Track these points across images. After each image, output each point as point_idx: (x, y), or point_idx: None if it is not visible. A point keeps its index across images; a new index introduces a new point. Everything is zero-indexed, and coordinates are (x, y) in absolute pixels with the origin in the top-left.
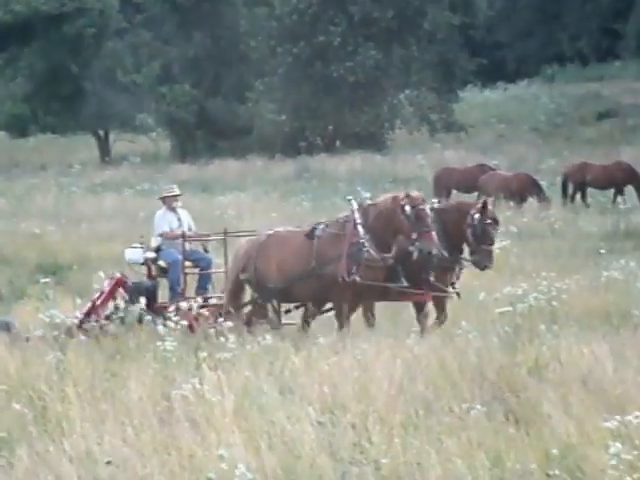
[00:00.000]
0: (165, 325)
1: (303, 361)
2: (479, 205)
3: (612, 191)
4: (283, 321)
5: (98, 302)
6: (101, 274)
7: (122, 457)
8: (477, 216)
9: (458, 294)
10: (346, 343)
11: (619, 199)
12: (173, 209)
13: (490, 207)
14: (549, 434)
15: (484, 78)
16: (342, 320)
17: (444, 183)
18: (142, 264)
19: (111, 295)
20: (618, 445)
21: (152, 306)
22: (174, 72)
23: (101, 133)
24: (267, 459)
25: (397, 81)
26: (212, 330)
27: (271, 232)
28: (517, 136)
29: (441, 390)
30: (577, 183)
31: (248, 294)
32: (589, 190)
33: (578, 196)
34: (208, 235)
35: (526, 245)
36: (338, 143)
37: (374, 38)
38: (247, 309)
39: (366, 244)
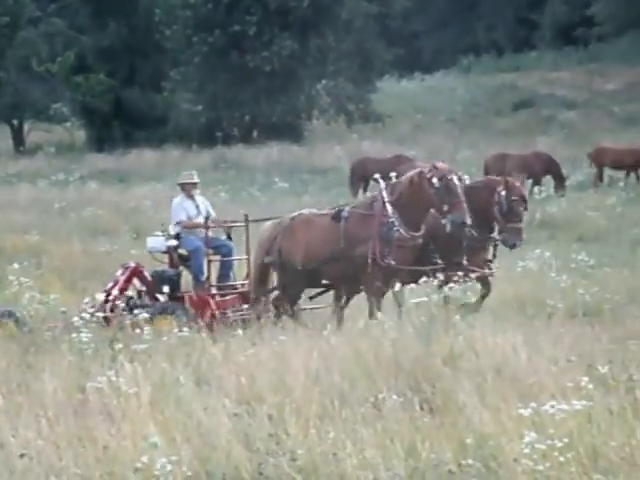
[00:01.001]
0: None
1: (220, 352)
2: (506, 182)
3: (529, 181)
4: (308, 306)
5: (114, 292)
6: (15, 265)
7: (37, 449)
8: (504, 193)
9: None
10: (264, 334)
11: (535, 189)
12: (191, 196)
13: (517, 184)
14: (464, 423)
15: (401, 68)
16: (373, 302)
17: (361, 173)
18: (164, 252)
19: (127, 284)
20: (533, 434)
21: (175, 295)
22: (89, 61)
23: (15, 123)
24: (183, 450)
25: (314, 71)
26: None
27: (295, 214)
28: (433, 127)
29: (357, 380)
30: (496, 173)
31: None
32: None
33: None
34: (233, 222)
35: None
36: (255, 133)
37: (290, 27)
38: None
39: (396, 223)
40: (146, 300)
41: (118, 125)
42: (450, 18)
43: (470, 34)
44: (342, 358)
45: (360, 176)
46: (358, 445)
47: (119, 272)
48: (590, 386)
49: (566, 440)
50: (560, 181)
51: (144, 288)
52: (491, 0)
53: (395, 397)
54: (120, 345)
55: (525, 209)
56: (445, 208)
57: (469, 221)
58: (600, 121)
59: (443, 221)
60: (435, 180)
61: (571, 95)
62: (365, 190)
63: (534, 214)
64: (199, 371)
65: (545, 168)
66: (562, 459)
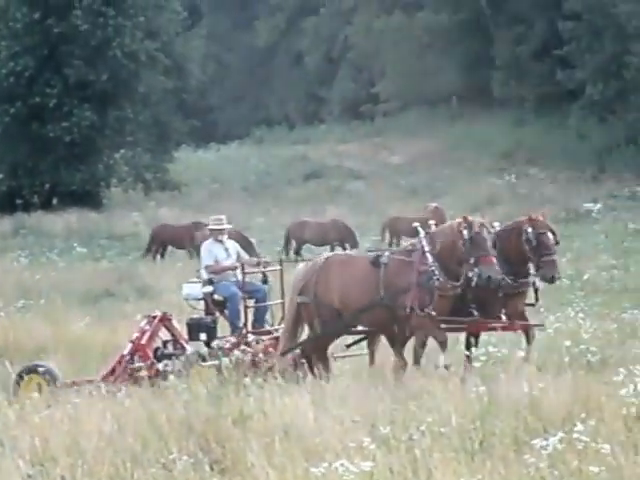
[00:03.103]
0: None
1: (15, 413)
2: (529, 219)
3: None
4: (342, 354)
5: (143, 341)
6: None
7: None
8: (530, 229)
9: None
10: (58, 397)
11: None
12: (220, 240)
13: (540, 218)
14: None
15: (197, 139)
16: (419, 350)
17: (160, 239)
18: (200, 299)
19: (156, 333)
20: None
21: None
22: None
23: None
24: None
25: (112, 141)
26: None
27: (329, 254)
28: (229, 194)
29: (149, 442)
30: (297, 239)
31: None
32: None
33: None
34: (267, 264)
35: None
36: (55, 201)
37: (90, 100)
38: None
39: (436, 272)
40: (171, 349)
41: None
42: (244, 92)
43: (263, 108)
44: (135, 420)
45: (159, 241)
46: None
47: (143, 322)
48: (372, 446)
49: None
50: (354, 248)
51: (169, 337)
52: (283, 76)
53: (186, 458)
54: None
55: (556, 242)
56: (472, 261)
57: (495, 276)
58: (386, 191)
59: (470, 274)
60: (465, 232)
61: (358, 167)
62: (162, 255)
63: None
64: None
65: (341, 236)
66: None
